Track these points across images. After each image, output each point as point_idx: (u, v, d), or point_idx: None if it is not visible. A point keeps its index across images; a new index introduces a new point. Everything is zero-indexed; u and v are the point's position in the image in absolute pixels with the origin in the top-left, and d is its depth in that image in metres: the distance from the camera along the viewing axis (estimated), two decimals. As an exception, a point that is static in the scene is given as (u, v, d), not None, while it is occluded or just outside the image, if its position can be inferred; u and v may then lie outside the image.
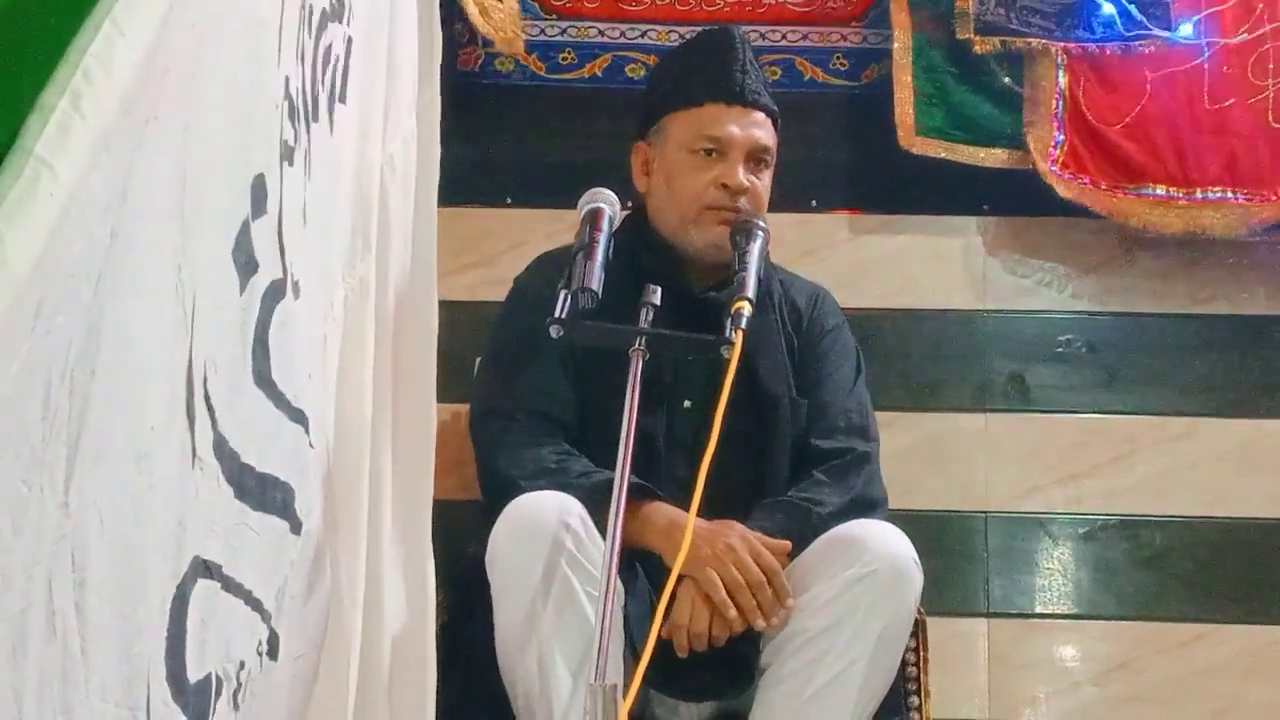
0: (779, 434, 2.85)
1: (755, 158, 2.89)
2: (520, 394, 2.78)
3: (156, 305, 1.41)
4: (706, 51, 2.99)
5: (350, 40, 2.36)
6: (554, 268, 2.82)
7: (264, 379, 1.78)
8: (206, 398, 1.55)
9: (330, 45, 2.24)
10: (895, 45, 3.75)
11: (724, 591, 2.51)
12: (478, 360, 3.06)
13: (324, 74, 2.21)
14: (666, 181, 2.89)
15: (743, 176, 2.85)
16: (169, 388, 1.46)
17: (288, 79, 1.88)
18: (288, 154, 1.89)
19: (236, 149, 1.65)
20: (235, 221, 1.64)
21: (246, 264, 1.67)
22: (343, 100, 2.34)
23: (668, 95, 2.97)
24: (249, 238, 1.67)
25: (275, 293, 1.78)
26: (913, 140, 3.70)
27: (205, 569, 1.60)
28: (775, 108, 2.97)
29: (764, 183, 2.91)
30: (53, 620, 1.25)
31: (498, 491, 2.66)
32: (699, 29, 3.81)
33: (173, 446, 1.48)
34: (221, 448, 1.62)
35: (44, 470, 1.21)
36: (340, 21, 2.30)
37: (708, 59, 2.96)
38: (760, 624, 2.53)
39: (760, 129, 2.90)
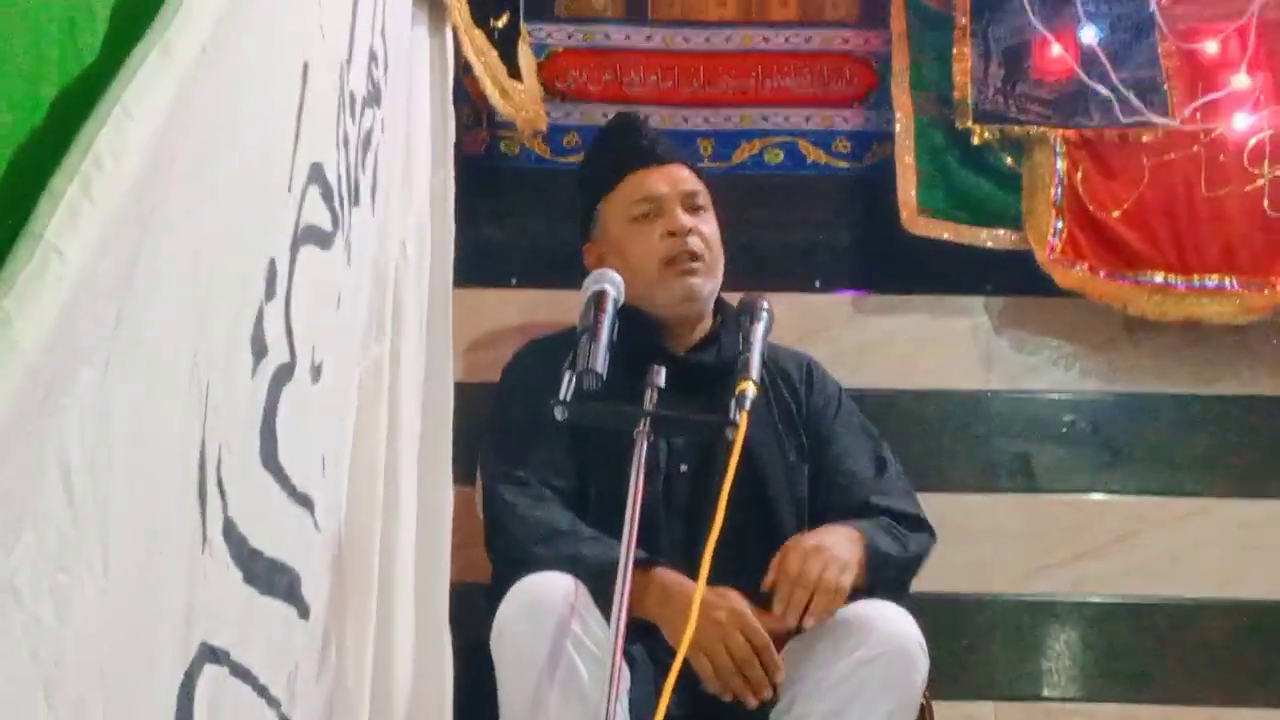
0: (777, 499, 2.87)
1: (689, 204, 3.01)
2: (528, 466, 2.80)
3: (170, 389, 1.41)
4: (611, 139, 3.19)
5: (382, 123, 2.39)
6: (545, 350, 2.97)
7: (272, 462, 1.78)
8: (219, 481, 1.55)
9: (370, 130, 2.27)
10: (897, 127, 3.78)
11: (715, 682, 2.51)
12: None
13: (364, 158, 2.24)
14: (621, 259, 2.95)
15: (683, 219, 2.97)
16: (181, 471, 1.46)
17: (317, 165, 1.89)
18: (318, 238, 1.90)
19: (250, 233, 1.66)
20: (251, 305, 1.65)
21: (259, 348, 1.68)
22: (378, 184, 2.38)
23: (593, 189, 3.11)
24: (262, 322, 1.68)
25: (283, 376, 1.79)
26: (915, 221, 3.72)
27: (213, 654, 1.60)
28: (690, 160, 3.15)
29: (709, 226, 3.03)
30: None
31: (507, 555, 2.69)
32: (702, 112, 3.87)
33: (184, 530, 1.48)
34: (231, 531, 1.61)
35: (79, 556, 1.21)
36: (378, 106, 2.33)
37: (614, 143, 3.16)
38: (751, 702, 2.53)
39: (685, 179, 3.05)
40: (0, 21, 1.21)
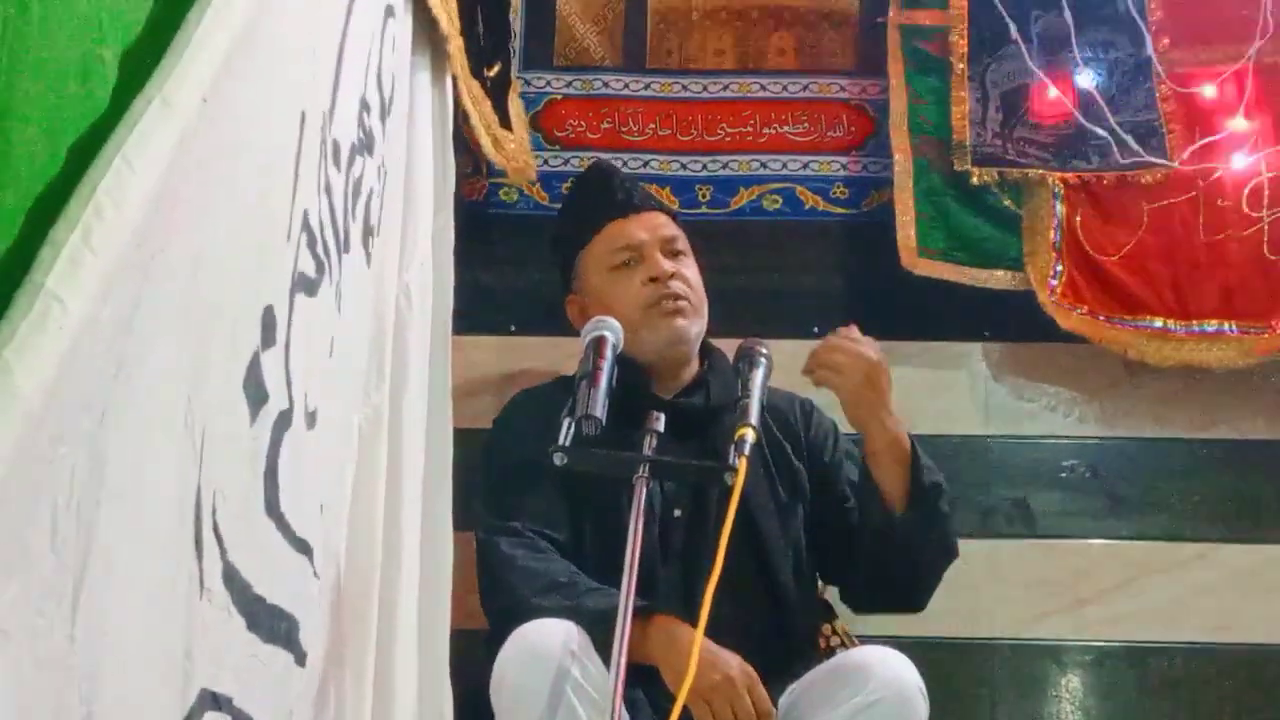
0: (771, 541, 2.87)
1: (669, 250, 3.03)
2: (524, 517, 2.79)
3: (164, 436, 1.42)
4: (586, 189, 3.21)
5: (384, 172, 2.40)
6: (536, 400, 3.01)
7: (274, 509, 1.78)
8: (215, 528, 1.55)
9: (361, 177, 2.27)
10: (896, 169, 3.79)
11: None
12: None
13: (354, 206, 2.24)
14: (604, 309, 2.92)
15: (664, 264, 2.99)
16: (176, 519, 1.46)
17: (305, 212, 1.90)
18: (305, 285, 1.91)
19: (248, 281, 1.66)
20: (246, 352, 1.65)
21: (257, 394, 1.68)
22: (376, 232, 2.38)
23: (571, 240, 3.13)
24: (259, 368, 1.68)
25: (283, 423, 1.79)
26: (915, 261, 3.73)
27: (214, 701, 1.59)
28: (667, 208, 3.20)
29: (691, 270, 3.04)
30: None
31: (507, 608, 2.65)
32: (700, 159, 3.89)
33: (180, 578, 1.48)
34: (232, 578, 1.61)
35: (54, 601, 1.21)
36: (370, 154, 2.34)
37: (590, 193, 3.17)
38: None
39: (662, 225, 3.07)
40: (22, 68, 1.22)
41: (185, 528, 1.48)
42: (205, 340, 1.51)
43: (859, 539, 2.89)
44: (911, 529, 2.81)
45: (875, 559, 2.87)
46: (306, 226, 1.92)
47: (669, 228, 3.07)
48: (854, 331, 2.90)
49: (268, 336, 1.71)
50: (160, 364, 1.38)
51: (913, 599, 2.96)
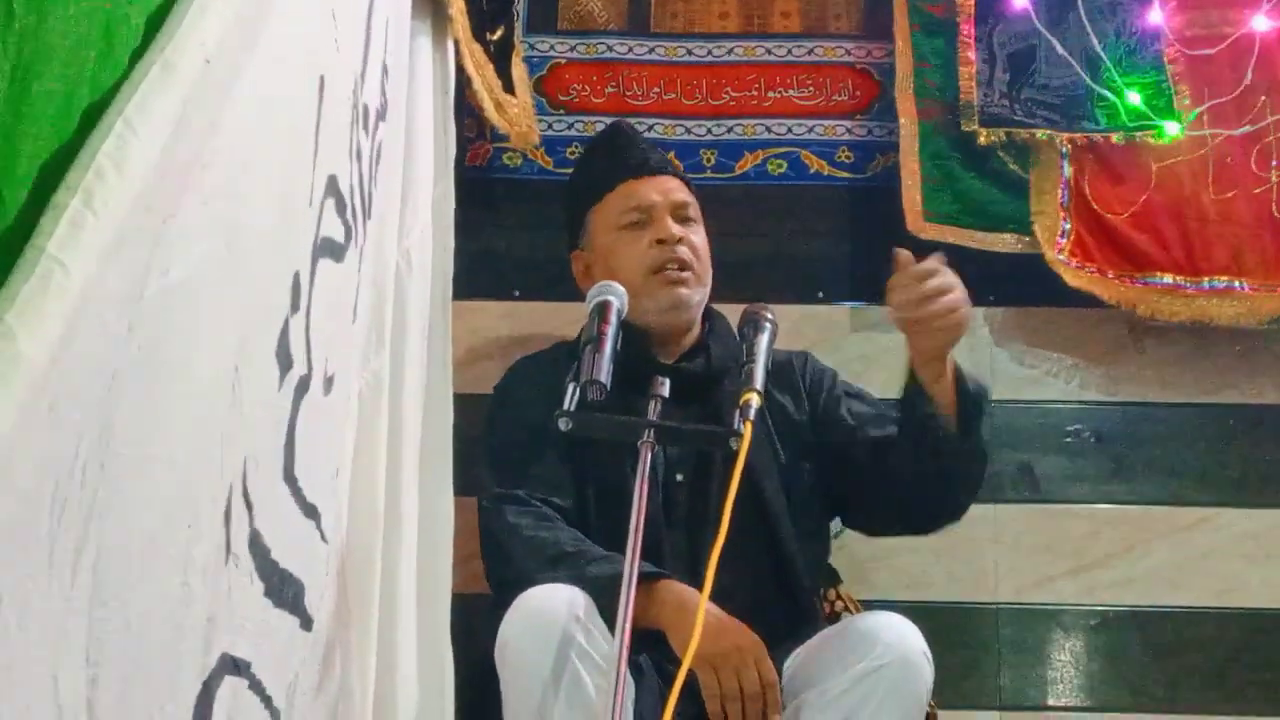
0: (774, 504, 2.86)
1: (679, 215, 3.03)
2: (528, 484, 2.79)
3: (209, 403, 1.41)
4: (603, 148, 3.22)
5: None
6: (537, 365, 3.01)
7: (289, 474, 1.79)
8: (245, 494, 1.55)
9: (382, 143, 2.28)
10: (902, 133, 3.78)
11: (719, 702, 2.50)
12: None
13: (377, 171, 2.25)
14: (608, 268, 2.96)
15: (673, 228, 2.98)
16: (213, 485, 1.46)
17: (333, 177, 1.90)
18: (330, 250, 1.91)
19: (278, 247, 1.66)
20: (279, 319, 1.65)
21: (284, 360, 1.68)
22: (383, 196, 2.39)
23: (583, 197, 3.13)
24: (287, 334, 1.68)
25: (302, 388, 1.79)
26: (922, 225, 3.71)
27: (234, 666, 1.60)
28: (682, 173, 3.18)
29: (699, 238, 3.03)
30: (60, 717, 1.24)
31: (512, 578, 2.65)
32: (705, 123, 3.87)
33: (209, 544, 1.48)
34: (256, 543, 1.62)
35: (52, 565, 1.21)
36: (386, 119, 2.34)
37: (606, 152, 3.18)
38: None
39: (675, 189, 3.07)
40: (49, 23, 1.20)
41: (220, 494, 1.48)
42: (245, 307, 1.50)
43: (889, 455, 2.83)
44: (956, 435, 2.73)
45: (914, 464, 2.78)
46: (335, 192, 1.92)
47: (681, 193, 3.06)
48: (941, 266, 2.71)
49: (295, 302, 1.72)
50: (190, 331, 1.38)
51: (955, 504, 2.89)
